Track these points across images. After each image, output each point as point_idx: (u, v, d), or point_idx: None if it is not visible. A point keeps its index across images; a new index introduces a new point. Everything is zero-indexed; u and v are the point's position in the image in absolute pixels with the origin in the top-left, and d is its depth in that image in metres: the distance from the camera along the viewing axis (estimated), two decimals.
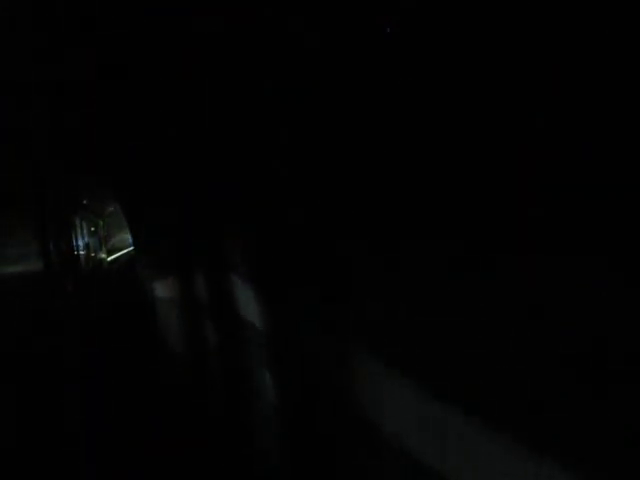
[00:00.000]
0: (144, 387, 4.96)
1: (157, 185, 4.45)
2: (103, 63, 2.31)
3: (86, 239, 12.34)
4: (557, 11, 0.98)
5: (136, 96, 2.80)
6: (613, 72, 0.92)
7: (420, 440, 1.51)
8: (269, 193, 2.52)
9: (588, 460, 1.00)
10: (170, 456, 3.64)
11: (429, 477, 1.46)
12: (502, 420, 1.20)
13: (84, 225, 12.30)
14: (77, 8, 2.06)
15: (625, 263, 0.91)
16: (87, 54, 2.23)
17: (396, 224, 1.63)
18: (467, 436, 1.31)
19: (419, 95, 1.44)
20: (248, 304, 3.07)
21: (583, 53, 0.96)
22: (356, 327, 1.88)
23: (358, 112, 1.71)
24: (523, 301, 1.13)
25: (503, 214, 1.20)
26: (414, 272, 1.54)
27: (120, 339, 6.57)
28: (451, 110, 1.32)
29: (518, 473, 1.16)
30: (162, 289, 6.66)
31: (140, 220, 7.08)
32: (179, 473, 3.54)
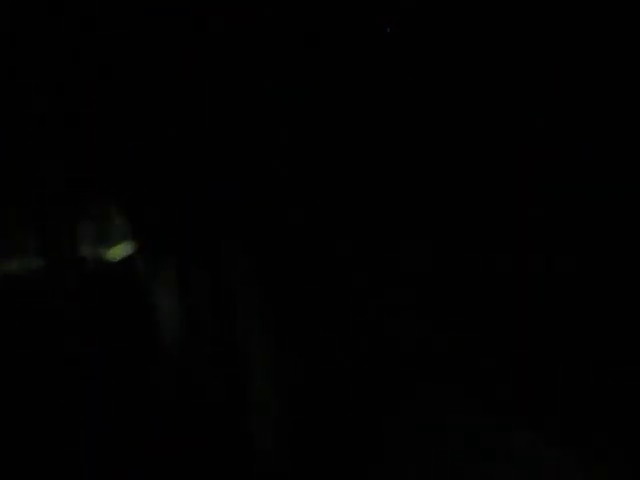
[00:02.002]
0: (144, 387, 4.95)
1: (157, 185, 4.45)
2: (103, 63, 2.31)
3: (88, 239, 12.34)
4: (555, 13, 0.98)
5: (136, 96, 2.80)
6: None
7: None
8: (269, 194, 2.51)
9: None
10: (170, 456, 3.64)
11: None
12: None
13: (85, 226, 12.29)
14: (77, 8, 2.06)
15: None
16: (86, 54, 2.23)
17: None
18: None
19: (419, 97, 1.44)
20: (249, 307, 3.07)
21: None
22: None
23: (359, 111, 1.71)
24: None
25: None
26: None
27: (120, 339, 6.56)
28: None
29: None
30: (162, 288, 6.64)
31: (140, 220, 7.06)
32: (179, 473, 3.54)
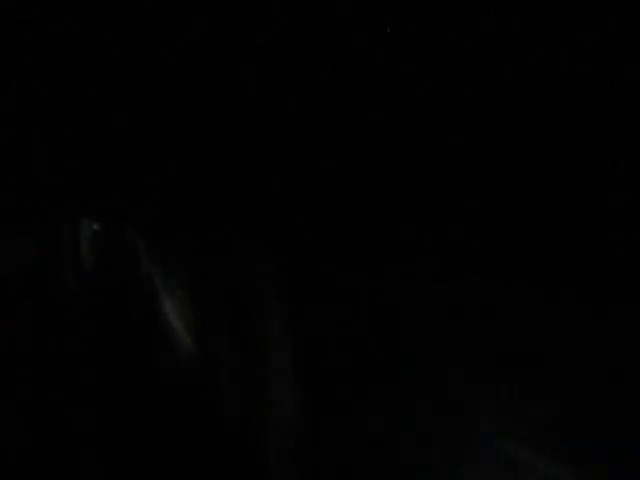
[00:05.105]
0: (147, 386, 4.96)
1: (159, 184, 4.45)
2: (103, 63, 2.32)
3: (89, 239, 12.40)
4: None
5: (135, 98, 2.81)
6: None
7: None
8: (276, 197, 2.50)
9: None
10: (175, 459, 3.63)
11: None
12: None
13: (87, 226, 12.35)
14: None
15: None
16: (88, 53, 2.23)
17: None
18: None
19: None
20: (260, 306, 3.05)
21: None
22: None
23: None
24: None
25: None
26: None
27: (121, 338, 6.58)
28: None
29: None
30: (166, 289, 6.65)
31: (144, 219, 7.08)
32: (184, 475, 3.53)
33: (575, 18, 0.96)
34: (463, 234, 1.38)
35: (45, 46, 2.24)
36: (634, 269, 0.95)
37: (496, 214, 1.27)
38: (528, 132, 1.13)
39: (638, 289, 0.95)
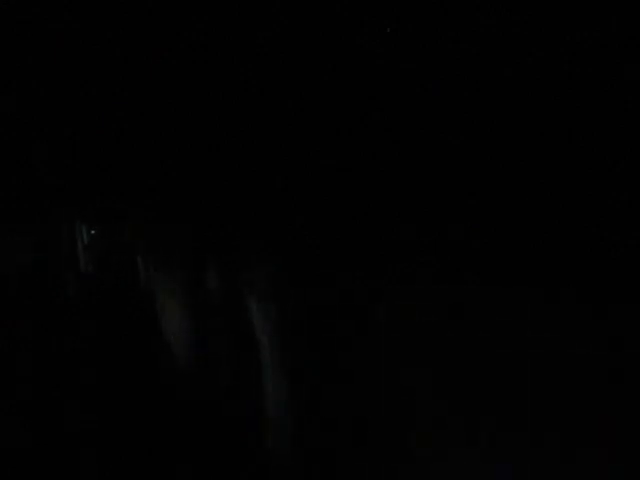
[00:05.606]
0: (147, 386, 4.96)
1: (159, 184, 4.45)
2: (103, 64, 2.32)
3: (89, 240, 12.39)
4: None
5: (135, 98, 2.81)
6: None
7: None
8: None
9: None
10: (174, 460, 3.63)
11: None
12: None
13: (86, 226, 12.35)
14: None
15: None
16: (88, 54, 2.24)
17: None
18: None
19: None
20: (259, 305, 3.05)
21: None
22: None
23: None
24: None
25: None
26: None
27: (121, 338, 6.57)
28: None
29: None
30: (164, 288, 6.64)
31: (144, 219, 7.06)
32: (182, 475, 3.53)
33: (575, 18, 0.96)
34: (463, 234, 1.38)
35: (45, 46, 2.24)
36: (634, 269, 0.95)
37: (496, 214, 1.27)
38: (528, 132, 1.13)
39: (638, 289, 0.95)
